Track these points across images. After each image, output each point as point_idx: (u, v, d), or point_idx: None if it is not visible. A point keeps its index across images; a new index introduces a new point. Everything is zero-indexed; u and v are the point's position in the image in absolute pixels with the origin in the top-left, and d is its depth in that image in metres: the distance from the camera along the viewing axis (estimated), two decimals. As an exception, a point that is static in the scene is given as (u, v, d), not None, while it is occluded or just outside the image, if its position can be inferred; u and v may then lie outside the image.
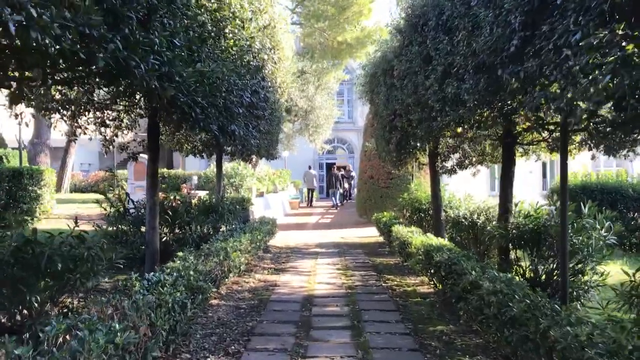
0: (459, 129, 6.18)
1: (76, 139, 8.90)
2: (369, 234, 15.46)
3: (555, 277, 6.43)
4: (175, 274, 4.70)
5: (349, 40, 18.70)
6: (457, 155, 12.22)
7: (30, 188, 11.55)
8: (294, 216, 21.97)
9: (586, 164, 16.80)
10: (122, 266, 8.34)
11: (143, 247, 7.56)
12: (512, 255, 7.20)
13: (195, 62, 4.52)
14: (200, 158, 12.52)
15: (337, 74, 21.38)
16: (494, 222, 9.30)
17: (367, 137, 17.89)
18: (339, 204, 25.62)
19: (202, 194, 14.86)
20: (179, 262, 5.68)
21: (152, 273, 4.73)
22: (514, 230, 6.70)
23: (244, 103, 6.32)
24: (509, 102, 5.44)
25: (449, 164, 12.18)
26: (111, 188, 19.27)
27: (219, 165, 11.90)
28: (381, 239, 13.71)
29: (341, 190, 26.30)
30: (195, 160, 29.75)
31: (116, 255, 7.66)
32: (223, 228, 11.00)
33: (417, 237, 8.67)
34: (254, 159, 19.96)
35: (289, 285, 7.92)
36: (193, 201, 10.50)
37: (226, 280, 7.39)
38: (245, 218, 12.73)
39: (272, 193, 21.39)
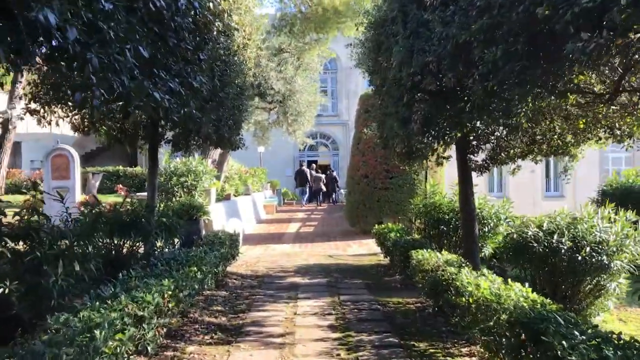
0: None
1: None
2: (365, 251, 11.74)
3: None
4: None
5: (337, 4, 14.95)
6: (488, 147, 8.85)
7: None
8: (269, 223, 18.14)
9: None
10: None
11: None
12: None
13: None
14: (130, 148, 8.70)
15: (322, 50, 17.55)
16: (587, 249, 5.66)
17: (361, 126, 14.17)
18: (306, 203, 25.30)
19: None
20: None
21: None
22: None
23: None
24: None
25: (479, 158, 8.78)
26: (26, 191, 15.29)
27: (152, 158, 8.04)
28: (383, 257, 10.04)
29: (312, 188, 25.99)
30: (161, 157, 26.18)
31: None
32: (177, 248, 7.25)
33: (469, 279, 4.98)
34: (212, 153, 16.12)
35: (241, 382, 4.12)
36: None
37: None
38: (191, 235, 8.90)
39: (242, 195, 17.54)
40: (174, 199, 10.63)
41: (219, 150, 16.21)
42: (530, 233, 6.08)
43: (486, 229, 8.93)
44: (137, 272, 4.82)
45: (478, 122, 6.80)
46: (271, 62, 17.70)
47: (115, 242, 6.92)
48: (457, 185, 9.37)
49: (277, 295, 7.23)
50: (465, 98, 5.66)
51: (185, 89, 4.17)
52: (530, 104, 4.78)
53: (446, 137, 6.31)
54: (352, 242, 13.08)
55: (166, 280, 4.41)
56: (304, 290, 7.57)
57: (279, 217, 20.09)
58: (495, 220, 8.99)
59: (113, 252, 6.82)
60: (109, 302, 3.80)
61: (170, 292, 4.41)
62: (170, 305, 4.45)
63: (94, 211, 6.59)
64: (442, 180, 13.28)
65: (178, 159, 11.80)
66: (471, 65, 4.65)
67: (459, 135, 6.41)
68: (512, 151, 8.40)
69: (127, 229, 6.71)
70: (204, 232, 9.66)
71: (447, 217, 9.02)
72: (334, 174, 26.79)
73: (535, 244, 5.92)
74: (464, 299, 4.84)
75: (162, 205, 10.46)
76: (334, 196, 26.24)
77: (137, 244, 7.00)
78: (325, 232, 15.39)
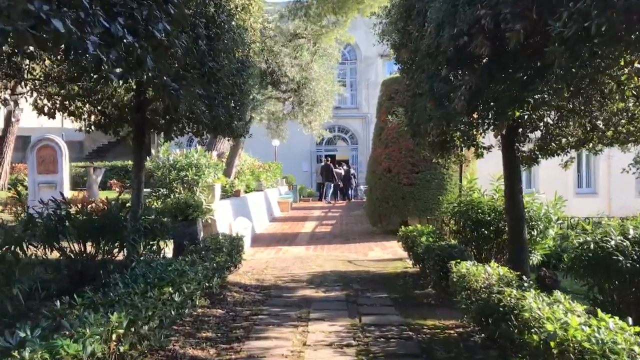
0: None
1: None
2: (389, 255, 10.36)
3: None
4: None
5: (358, -19, 13.52)
6: (537, 135, 7.46)
7: None
8: (283, 221, 16.84)
9: None
10: None
11: None
12: None
13: None
14: (114, 135, 7.43)
15: (340, 33, 16.08)
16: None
17: (384, 114, 12.74)
18: (331, 201, 24.05)
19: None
20: None
21: None
22: None
23: None
24: None
25: (525, 148, 7.43)
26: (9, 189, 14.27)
27: (139, 148, 6.77)
28: (410, 264, 8.68)
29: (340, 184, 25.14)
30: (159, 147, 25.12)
31: None
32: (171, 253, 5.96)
33: (544, 309, 3.58)
34: (220, 145, 14.87)
35: None
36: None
37: None
38: (184, 238, 7.61)
39: (254, 192, 16.24)
40: (172, 196, 9.36)
41: (227, 143, 14.96)
42: (612, 243, 4.63)
43: (534, 233, 7.51)
44: (85, 297, 3.51)
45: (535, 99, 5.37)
46: (285, 48, 16.37)
47: (89, 248, 5.71)
48: (498, 180, 7.99)
49: (284, 314, 5.89)
50: (526, 64, 4.25)
51: (138, 39, 2.83)
52: (636, 62, 3.37)
53: (500, 117, 4.90)
54: (373, 245, 11.69)
55: (115, 313, 3.08)
56: (317, 307, 6.22)
57: (293, 215, 18.78)
58: (545, 222, 7.56)
59: (82, 261, 5.58)
60: (15, 354, 2.50)
61: (121, 331, 3.09)
62: (122, 348, 3.13)
63: (57, 212, 5.36)
64: (475, 174, 11.81)
65: (178, 151, 10.55)
66: (553, 5, 3.25)
67: (517, 114, 4.98)
68: (564, 140, 7.00)
69: (98, 232, 5.46)
70: (202, 235, 8.36)
71: (489, 217, 7.60)
72: (351, 169, 26.00)
73: (622, 258, 4.48)
74: (535, 338, 3.44)
75: (158, 203, 9.24)
76: (350, 192, 25.28)
77: (113, 250, 5.75)
78: (343, 232, 14.01)
